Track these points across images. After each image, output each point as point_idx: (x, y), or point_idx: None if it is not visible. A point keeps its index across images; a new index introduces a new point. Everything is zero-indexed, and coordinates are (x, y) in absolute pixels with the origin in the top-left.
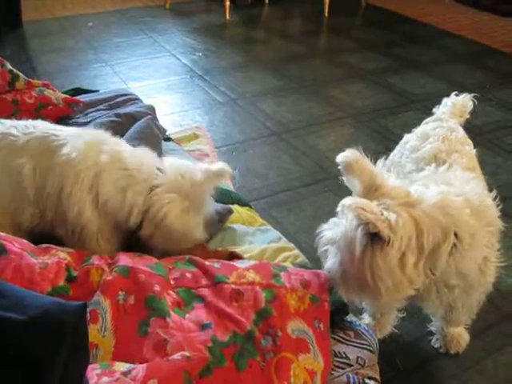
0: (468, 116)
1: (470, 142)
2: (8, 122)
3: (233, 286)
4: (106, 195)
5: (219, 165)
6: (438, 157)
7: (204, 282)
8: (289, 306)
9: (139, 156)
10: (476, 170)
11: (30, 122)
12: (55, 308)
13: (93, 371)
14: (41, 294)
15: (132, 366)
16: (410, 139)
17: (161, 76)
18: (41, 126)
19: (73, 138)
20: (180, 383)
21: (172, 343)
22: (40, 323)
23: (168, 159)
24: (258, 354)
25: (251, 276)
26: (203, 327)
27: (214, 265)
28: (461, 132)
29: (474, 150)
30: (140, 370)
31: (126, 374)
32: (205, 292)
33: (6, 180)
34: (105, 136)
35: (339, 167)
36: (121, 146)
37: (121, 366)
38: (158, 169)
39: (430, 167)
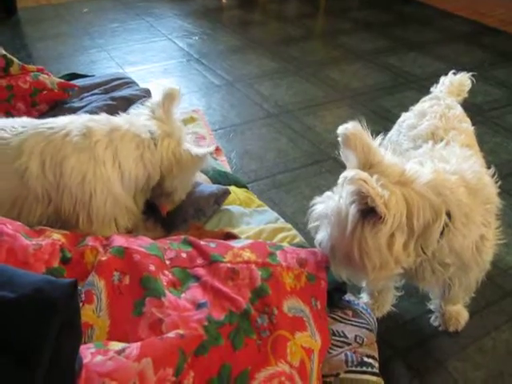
0: (466, 95)
1: (467, 119)
2: None
3: (228, 265)
4: (129, 167)
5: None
6: (436, 134)
7: (199, 261)
8: (285, 284)
9: (128, 119)
10: (474, 147)
11: (16, 122)
12: (46, 285)
13: (87, 350)
14: None
15: (126, 345)
16: (407, 117)
17: (157, 60)
18: (29, 123)
19: (71, 126)
20: (174, 361)
21: (167, 322)
22: (31, 301)
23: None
24: (254, 333)
25: (247, 255)
26: (199, 306)
27: (210, 244)
28: (459, 109)
29: (472, 127)
30: (134, 348)
31: (119, 352)
32: (200, 271)
33: (4, 186)
34: (95, 116)
35: (338, 138)
36: (110, 118)
37: (115, 345)
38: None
39: (427, 145)
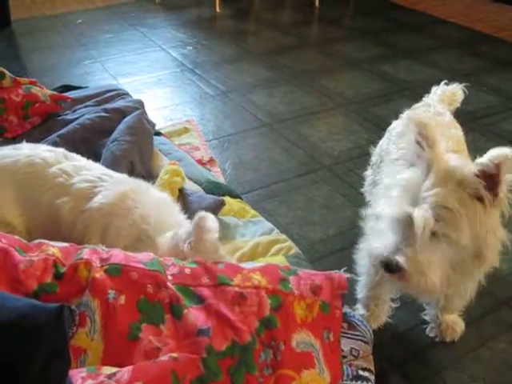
0: (459, 105)
1: (457, 125)
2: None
3: (236, 289)
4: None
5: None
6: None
7: (204, 280)
8: (295, 315)
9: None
10: (462, 152)
11: (92, 165)
12: (31, 311)
13: (78, 374)
14: (26, 292)
15: (119, 369)
16: (397, 125)
17: (151, 71)
18: (95, 170)
19: (111, 187)
20: None
21: (165, 352)
22: (15, 326)
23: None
24: (257, 369)
25: (257, 278)
26: (200, 333)
27: (218, 265)
28: (448, 116)
29: (461, 133)
30: (125, 372)
31: (110, 376)
32: (205, 292)
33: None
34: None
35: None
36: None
37: (108, 370)
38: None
39: None
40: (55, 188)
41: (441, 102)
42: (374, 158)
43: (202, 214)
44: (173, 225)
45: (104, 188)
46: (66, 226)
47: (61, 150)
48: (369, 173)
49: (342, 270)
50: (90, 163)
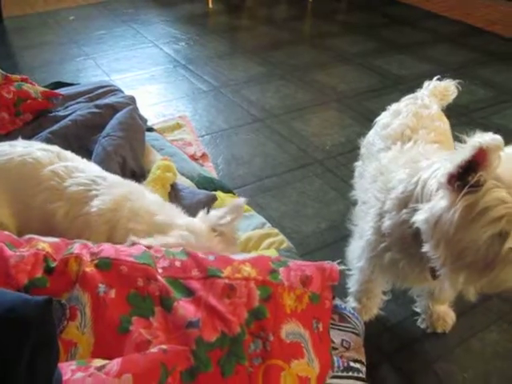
0: (451, 100)
1: (444, 118)
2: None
3: (226, 281)
4: None
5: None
6: (404, 134)
7: (195, 273)
8: (285, 306)
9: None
10: (445, 143)
11: (86, 165)
12: (19, 304)
13: (68, 367)
14: (16, 287)
15: (108, 361)
16: (383, 116)
17: (144, 67)
18: (88, 172)
19: (106, 191)
20: (156, 376)
21: (155, 344)
22: (3, 320)
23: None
24: (246, 359)
25: (247, 270)
26: (189, 325)
27: (208, 257)
28: (435, 108)
29: (448, 126)
30: (115, 364)
31: (100, 368)
32: (195, 285)
33: (41, 219)
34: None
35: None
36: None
37: (98, 363)
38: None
39: (395, 146)
40: (47, 191)
41: (431, 96)
42: (362, 150)
43: (240, 198)
44: (175, 216)
45: (99, 192)
46: (61, 231)
47: (55, 149)
48: (359, 164)
49: (335, 262)
50: (84, 163)
